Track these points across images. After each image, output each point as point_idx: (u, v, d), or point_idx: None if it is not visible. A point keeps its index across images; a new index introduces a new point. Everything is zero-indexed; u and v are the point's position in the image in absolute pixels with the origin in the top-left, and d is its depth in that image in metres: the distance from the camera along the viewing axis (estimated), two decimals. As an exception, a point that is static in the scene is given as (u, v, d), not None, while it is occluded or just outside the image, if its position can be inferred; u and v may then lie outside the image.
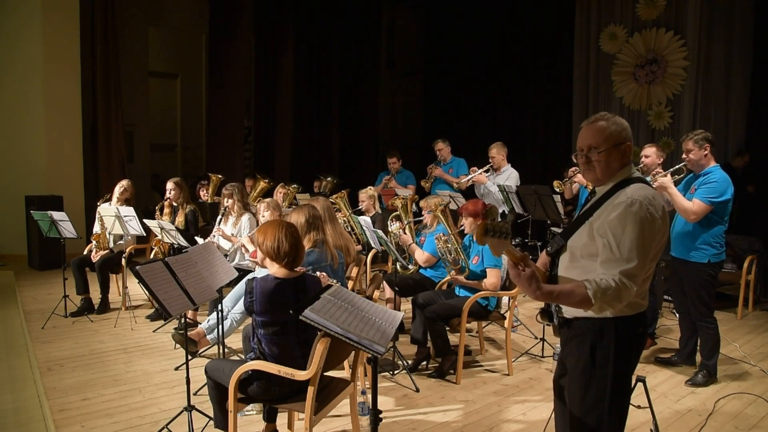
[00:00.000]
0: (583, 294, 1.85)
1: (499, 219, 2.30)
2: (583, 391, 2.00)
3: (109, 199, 5.57)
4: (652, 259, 1.94)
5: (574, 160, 2.21)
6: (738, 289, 5.61)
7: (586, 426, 1.99)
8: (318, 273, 3.26)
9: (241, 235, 4.93)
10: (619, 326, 1.96)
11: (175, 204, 5.49)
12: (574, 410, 2.04)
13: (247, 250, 4.80)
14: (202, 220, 5.74)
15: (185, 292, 2.92)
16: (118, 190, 5.53)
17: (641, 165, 4.32)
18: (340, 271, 3.69)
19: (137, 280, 2.78)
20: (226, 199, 5.01)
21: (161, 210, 5.61)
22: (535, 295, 1.83)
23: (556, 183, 5.37)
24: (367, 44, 11.20)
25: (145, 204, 7.03)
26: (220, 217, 5.05)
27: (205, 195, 6.94)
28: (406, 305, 4.94)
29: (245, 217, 4.96)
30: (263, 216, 4.43)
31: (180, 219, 5.39)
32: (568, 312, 2.05)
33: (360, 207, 5.89)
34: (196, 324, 4.49)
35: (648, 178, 3.97)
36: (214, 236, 4.89)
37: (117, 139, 8.50)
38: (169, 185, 5.47)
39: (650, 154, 4.33)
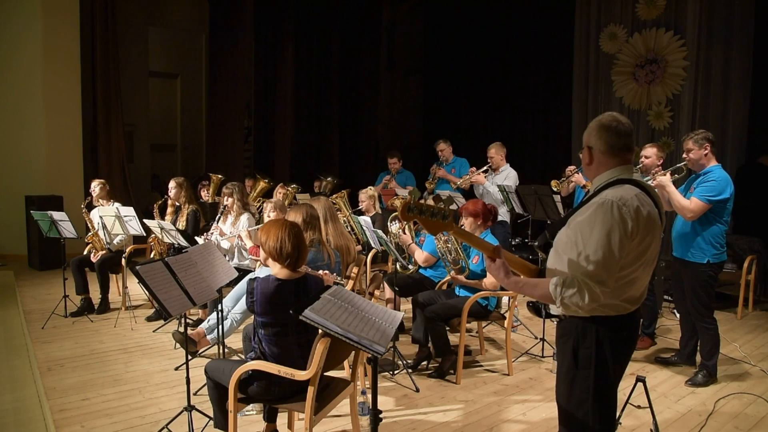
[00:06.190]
0: (546, 289, 1.90)
1: (431, 201, 2.42)
2: (568, 390, 2.04)
3: (90, 203, 5.61)
4: (634, 262, 1.92)
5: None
6: (738, 289, 5.61)
7: (575, 421, 2.03)
8: (321, 272, 3.26)
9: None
10: (600, 328, 1.96)
11: (177, 203, 5.50)
12: (562, 406, 2.08)
13: (245, 247, 4.80)
14: (203, 221, 5.75)
15: (185, 292, 2.92)
16: (97, 190, 5.55)
17: (640, 165, 4.32)
18: (337, 270, 3.69)
19: (137, 280, 2.78)
20: (225, 198, 5.01)
21: (160, 209, 5.62)
22: (503, 282, 1.98)
23: (553, 183, 5.38)
24: (367, 44, 11.19)
25: (145, 204, 7.04)
26: (218, 215, 5.06)
27: (206, 195, 6.95)
28: (406, 305, 4.94)
29: (244, 217, 4.95)
30: (269, 216, 4.43)
31: (182, 219, 5.40)
32: (553, 309, 2.07)
33: (360, 207, 5.90)
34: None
35: (648, 178, 3.97)
36: (212, 234, 4.88)
37: (117, 139, 8.50)
38: (172, 184, 5.48)
39: (650, 154, 4.33)
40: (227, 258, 4.85)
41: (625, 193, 1.90)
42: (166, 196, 5.55)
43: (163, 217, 5.59)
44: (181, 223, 5.34)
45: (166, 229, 4.79)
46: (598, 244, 1.85)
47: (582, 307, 1.87)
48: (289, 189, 6.58)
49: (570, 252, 1.91)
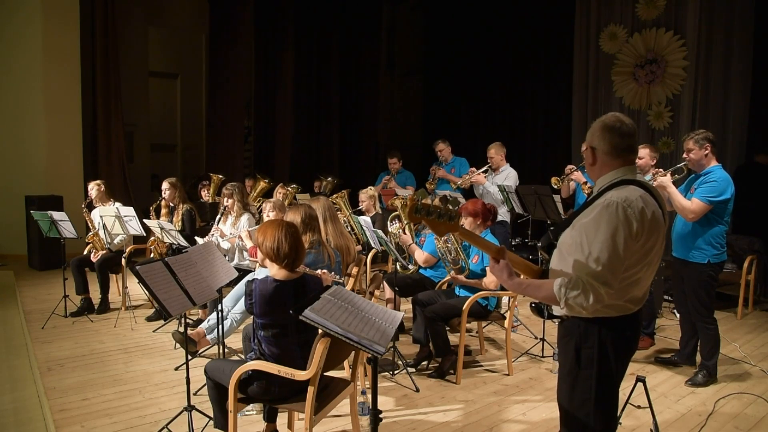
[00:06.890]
0: (550, 290, 1.90)
1: (438, 202, 2.40)
2: (570, 391, 2.04)
3: (91, 203, 5.60)
4: (638, 262, 1.92)
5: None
6: (738, 289, 5.61)
7: (576, 422, 2.03)
8: (320, 271, 3.25)
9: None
10: (603, 329, 1.96)
11: (171, 204, 5.50)
12: (564, 407, 2.08)
13: (245, 247, 4.80)
14: (200, 220, 5.75)
15: (185, 292, 2.92)
16: (94, 193, 5.54)
17: None
18: (337, 270, 3.69)
19: (137, 280, 2.78)
20: (225, 199, 5.02)
21: (156, 210, 5.63)
22: (506, 283, 1.97)
23: (554, 180, 5.37)
24: (367, 44, 11.19)
25: (146, 204, 7.05)
26: (219, 216, 5.06)
27: (206, 195, 6.96)
28: (406, 305, 4.94)
29: (244, 217, 4.96)
30: (268, 216, 4.43)
31: (177, 219, 5.40)
32: (556, 309, 2.06)
33: (360, 207, 5.90)
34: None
35: (648, 178, 3.97)
36: (212, 235, 4.89)
37: (117, 139, 8.50)
38: (165, 185, 5.48)
39: (643, 155, 4.35)
40: (227, 258, 4.85)
41: (629, 194, 1.90)
42: (161, 198, 5.54)
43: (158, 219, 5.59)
44: (177, 224, 5.33)
45: (166, 229, 4.79)
46: (604, 246, 1.85)
47: (586, 308, 1.87)
48: (289, 189, 6.58)
49: (575, 253, 1.90)
